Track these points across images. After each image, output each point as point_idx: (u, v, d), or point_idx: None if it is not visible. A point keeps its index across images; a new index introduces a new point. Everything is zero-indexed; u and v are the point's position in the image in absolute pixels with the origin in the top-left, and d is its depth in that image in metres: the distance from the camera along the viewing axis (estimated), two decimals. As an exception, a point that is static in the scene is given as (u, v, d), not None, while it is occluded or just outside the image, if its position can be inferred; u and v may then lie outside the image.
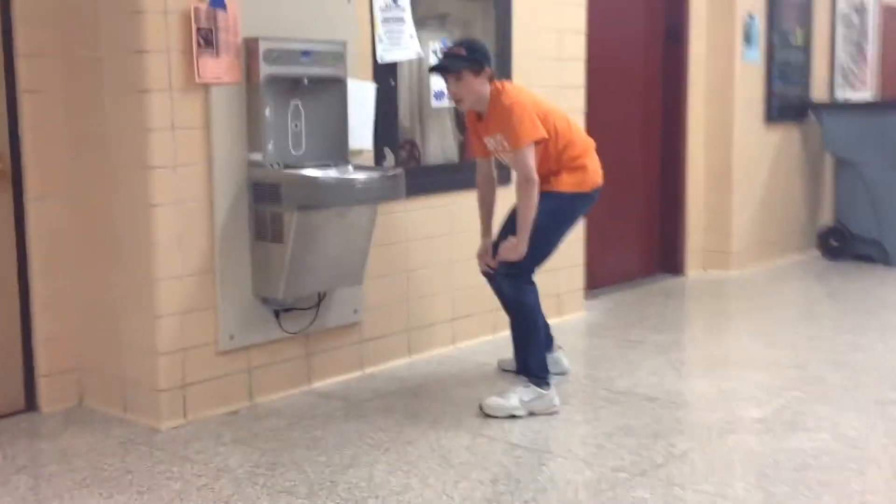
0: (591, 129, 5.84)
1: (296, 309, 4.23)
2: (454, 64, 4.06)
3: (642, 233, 6.98)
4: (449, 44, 4.60)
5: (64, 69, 3.96)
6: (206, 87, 3.87)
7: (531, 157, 4.05)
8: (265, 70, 3.94)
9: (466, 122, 4.38)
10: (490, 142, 4.20)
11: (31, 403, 4.08)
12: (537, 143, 4.08)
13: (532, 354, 4.15)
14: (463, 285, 4.99)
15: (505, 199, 4.46)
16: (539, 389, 4.09)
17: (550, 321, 4.49)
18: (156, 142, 3.77)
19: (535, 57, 5.34)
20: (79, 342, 4.12)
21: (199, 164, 3.91)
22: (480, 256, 4.41)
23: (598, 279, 6.40)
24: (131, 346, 3.96)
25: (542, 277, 5.15)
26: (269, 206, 3.98)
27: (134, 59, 3.73)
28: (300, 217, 3.91)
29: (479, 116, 4.21)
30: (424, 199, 4.85)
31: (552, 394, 4.12)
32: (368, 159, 4.55)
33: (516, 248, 4.09)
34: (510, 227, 4.27)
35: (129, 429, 3.88)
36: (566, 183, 4.20)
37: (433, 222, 4.91)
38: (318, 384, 4.42)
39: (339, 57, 4.20)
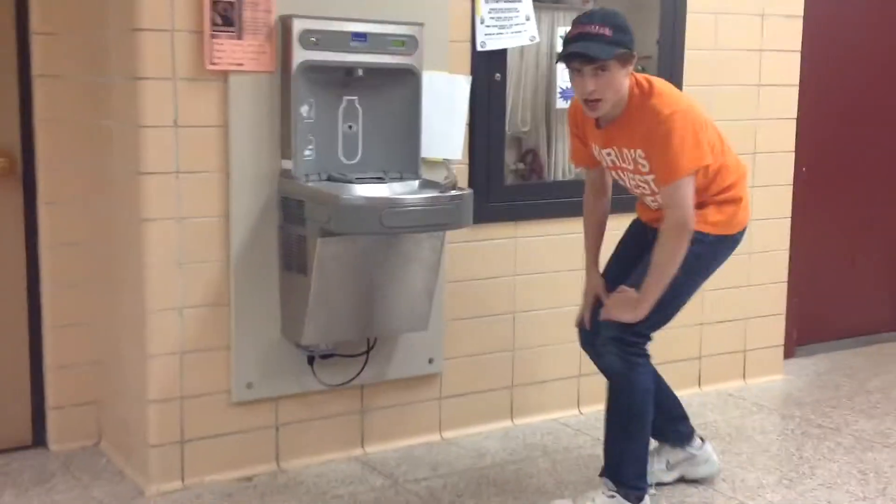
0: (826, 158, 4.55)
1: (338, 355, 3.39)
2: (602, 50, 2.82)
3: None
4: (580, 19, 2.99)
5: (79, 50, 3.35)
6: (224, 76, 3.11)
7: (691, 192, 2.89)
8: (300, 56, 3.12)
9: (569, 123, 3.25)
10: (610, 154, 3.07)
11: (39, 438, 3.53)
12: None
13: (629, 456, 3.05)
14: (597, 334, 3.91)
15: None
16: None
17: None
18: (151, 142, 3.06)
19: (720, 70, 4.13)
20: (94, 373, 3.53)
21: (212, 172, 3.15)
22: (588, 298, 3.25)
23: (821, 329, 5.02)
24: (129, 388, 3.31)
25: (723, 329, 4.07)
26: (295, 228, 3.17)
27: (130, 39, 3.04)
28: (324, 245, 3.06)
29: (596, 121, 3.06)
30: (546, 223, 3.84)
31: (645, 516, 3.00)
32: (461, 173, 3.60)
33: (636, 307, 2.95)
34: (621, 268, 3.18)
35: (116, 488, 3.22)
36: (712, 222, 3.02)
37: (556, 253, 3.87)
38: (374, 448, 3.55)
39: (409, 42, 3.29)
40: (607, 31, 2.84)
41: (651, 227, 3.11)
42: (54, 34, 3.33)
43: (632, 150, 2.97)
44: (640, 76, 2.99)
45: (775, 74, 4.33)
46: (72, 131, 3.38)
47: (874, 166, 5.14)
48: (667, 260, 2.92)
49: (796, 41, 4.39)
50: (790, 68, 4.40)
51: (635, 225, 3.29)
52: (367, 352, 3.43)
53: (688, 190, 2.89)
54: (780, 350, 4.61)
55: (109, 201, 3.31)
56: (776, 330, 4.57)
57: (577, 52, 2.84)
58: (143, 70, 3.01)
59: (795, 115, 4.47)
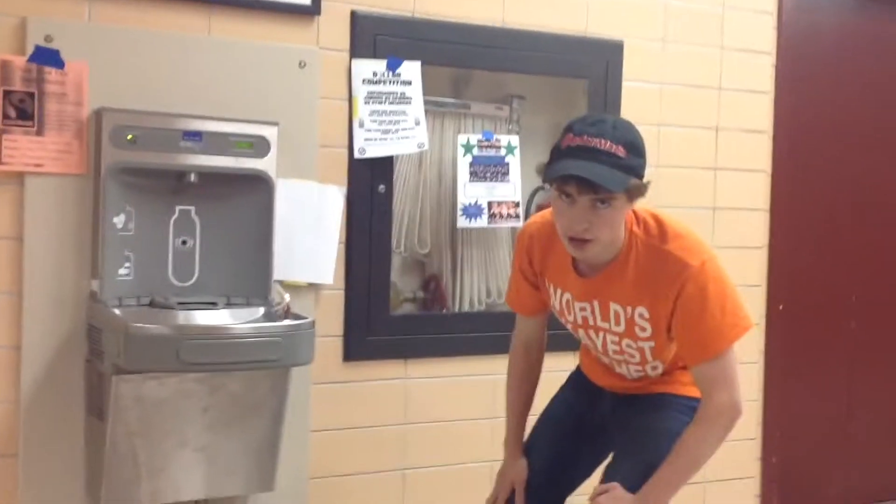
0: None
1: (160, 523, 2.75)
2: (613, 178, 2.08)
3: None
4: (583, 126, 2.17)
5: None
6: (19, 178, 2.61)
7: (737, 368, 2.23)
8: (111, 157, 2.60)
9: (516, 254, 2.48)
10: (585, 310, 2.33)
11: None
12: None
13: None
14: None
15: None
16: None
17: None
18: (-80, 256, 2.54)
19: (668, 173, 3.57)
20: None
21: (0, 294, 2.61)
22: (503, 487, 2.51)
23: (808, 497, 4.24)
24: None
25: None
26: (97, 362, 2.59)
27: None
28: (120, 384, 2.47)
29: (574, 264, 2.31)
30: (445, 362, 3.23)
31: None
32: (334, 301, 3.03)
33: None
34: (558, 444, 2.51)
35: None
36: None
37: (458, 398, 3.25)
38: None
39: (258, 143, 2.77)
40: (621, 151, 2.09)
41: (613, 393, 2.47)
42: None
43: (627, 308, 2.25)
44: (640, 209, 2.26)
45: (736, 196, 3.75)
46: None
47: (865, 301, 4.42)
48: (705, 454, 2.23)
49: (763, 159, 3.81)
50: (755, 189, 3.81)
51: (584, 386, 2.56)
52: (196, 518, 2.79)
53: (734, 362, 2.20)
54: (762, 521, 3.88)
55: None
56: (745, 497, 3.85)
57: (579, 178, 2.07)
58: (-87, 169, 2.52)
59: (766, 243, 3.86)
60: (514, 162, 3.29)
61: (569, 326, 2.42)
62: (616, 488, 2.25)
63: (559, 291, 2.36)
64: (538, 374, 2.58)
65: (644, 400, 2.41)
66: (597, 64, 3.42)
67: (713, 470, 3.63)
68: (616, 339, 2.32)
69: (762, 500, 3.91)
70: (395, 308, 3.23)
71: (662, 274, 2.18)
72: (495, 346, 3.21)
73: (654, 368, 2.37)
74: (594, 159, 2.07)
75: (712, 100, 3.67)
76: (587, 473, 2.56)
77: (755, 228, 3.82)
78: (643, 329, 2.25)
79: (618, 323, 2.28)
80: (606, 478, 2.35)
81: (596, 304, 2.29)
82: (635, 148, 2.13)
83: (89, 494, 2.67)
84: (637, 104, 3.48)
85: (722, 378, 2.18)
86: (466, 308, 3.35)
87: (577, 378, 2.62)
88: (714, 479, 3.69)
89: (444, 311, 3.36)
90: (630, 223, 2.22)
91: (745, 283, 3.75)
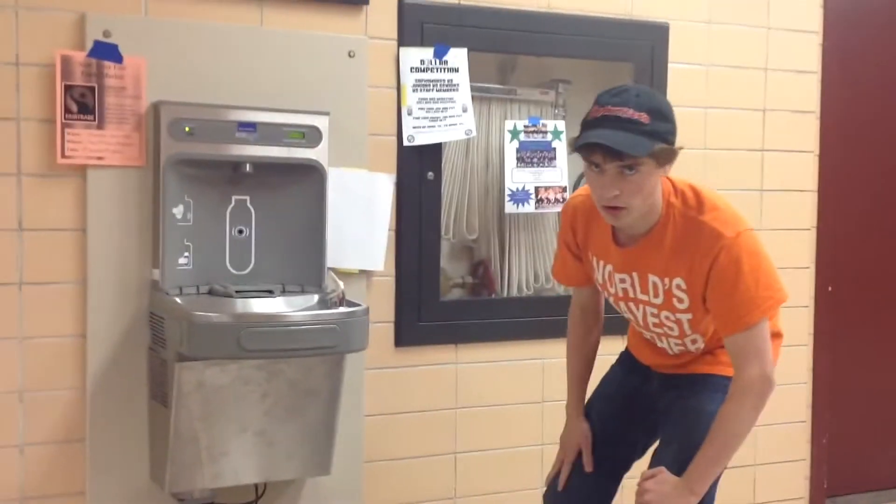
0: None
1: (219, 505, 2.83)
2: (636, 143, 2.11)
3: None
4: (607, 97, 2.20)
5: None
6: (81, 171, 2.67)
7: (770, 341, 2.25)
8: (170, 149, 2.66)
9: (561, 227, 2.54)
10: (625, 282, 2.37)
11: None
12: None
13: None
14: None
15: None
16: None
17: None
18: (-12, 248, 2.62)
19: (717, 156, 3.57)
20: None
21: (67, 283, 2.69)
22: (569, 450, 2.55)
23: (859, 477, 4.23)
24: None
25: (726, 478, 3.08)
26: (159, 350, 2.66)
27: (-32, 130, 2.63)
28: (183, 371, 2.54)
29: (614, 235, 2.36)
30: (495, 346, 3.26)
31: None
32: (385, 287, 3.08)
33: (687, 493, 2.22)
34: (606, 422, 2.55)
35: None
36: None
37: (509, 383, 3.28)
38: None
39: (310, 133, 2.81)
40: (644, 117, 2.11)
41: (659, 374, 2.51)
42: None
43: (665, 280, 2.28)
44: (678, 180, 2.29)
45: (784, 177, 3.73)
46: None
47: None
48: (742, 430, 2.23)
49: (811, 140, 3.79)
50: (803, 170, 3.79)
51: (632, 366, 2.60)
52: (256, 500, 2.86)
53: (767, 335, 2.22)
54: (803, 504, 3.88)
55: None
56: (796, 479, 3.85)
57: (601, 144, 2.11)
58: (-20, 164, 2.60)
59: (814, 225, 3.85)
60: (560, 147, 3.31)
61: (611, 300, 2.48)
62: (662, 472, 2.28)
63: (601, 264, 2.41)
64: (597, 338, 2.62)
65: (687, 381, 2.44)
66: (642, 46, 3.42)
67: (763, 453, 3.67)
68: (655, 311, 2.35)
69: (811, 482, 3.91)
70: (444, 293, 3.27)
71: (698, 244, 2.21)
72: (544, 330, 3.26)
73: (694, 342, 2.40)
74: (618, 127, 2.11)
75: (759, 81, 3.65)
76: (640, 452, 2.60)
77: (803, 210, 3.80)
78: (681, 301, 2.28)
79: (656, 295, 2.32)
80: (653, 463, 2.39)
81: (635, 275, 2.33)
82: (660, 113, 2.15)
83: (153, 477, 2.75)
84: (683, 86, 3.48)
85: (753, 350, 2.20)
86: (515, 293, 3.38)
87: (625, 358, 2.67)
88: (764, 462, 3.70)
89: (493, 296, 3.39)
90: (668, 194, 2.25)
91: (793, 265, 3.76)
